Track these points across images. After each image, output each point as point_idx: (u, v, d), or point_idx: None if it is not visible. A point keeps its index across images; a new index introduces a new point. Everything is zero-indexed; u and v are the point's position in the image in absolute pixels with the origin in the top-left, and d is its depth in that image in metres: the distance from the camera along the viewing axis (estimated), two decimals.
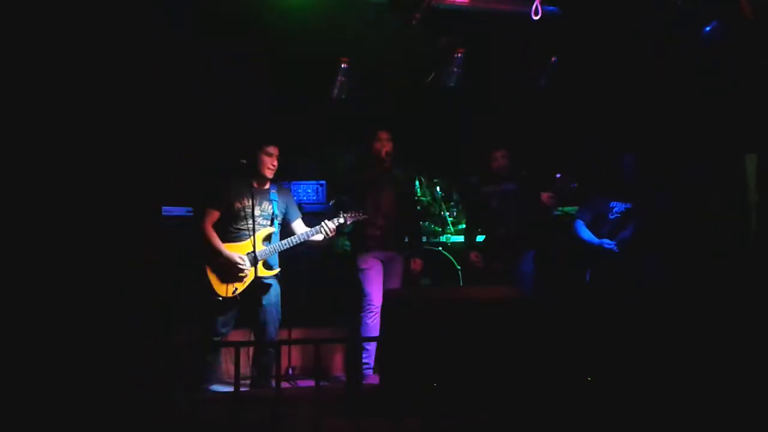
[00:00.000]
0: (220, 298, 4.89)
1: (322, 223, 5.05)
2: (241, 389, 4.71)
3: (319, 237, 5.07)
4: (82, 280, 4.16)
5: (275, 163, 5.06)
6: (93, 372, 3.81)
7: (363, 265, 5.25)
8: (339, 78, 6.10)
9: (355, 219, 5.13)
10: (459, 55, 5.98)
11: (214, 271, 4.92)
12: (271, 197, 5.09)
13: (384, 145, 5.31)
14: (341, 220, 5.08)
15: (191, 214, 5.98)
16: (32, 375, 3.68)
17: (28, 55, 4.01)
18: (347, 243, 6.71)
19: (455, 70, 6.05)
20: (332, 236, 5.10)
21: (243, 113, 6.44)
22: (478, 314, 4.14)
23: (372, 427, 3.68)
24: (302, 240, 5.04)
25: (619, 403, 4.00)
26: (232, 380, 5.18)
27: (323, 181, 6.59)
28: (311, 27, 5.45)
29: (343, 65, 6.01)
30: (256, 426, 3.78)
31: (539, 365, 4.15)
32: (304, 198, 6.47)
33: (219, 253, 4.91)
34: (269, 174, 5.06)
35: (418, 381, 3.84)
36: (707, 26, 5.38)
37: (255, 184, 5.05)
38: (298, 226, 5.20)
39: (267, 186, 5.11)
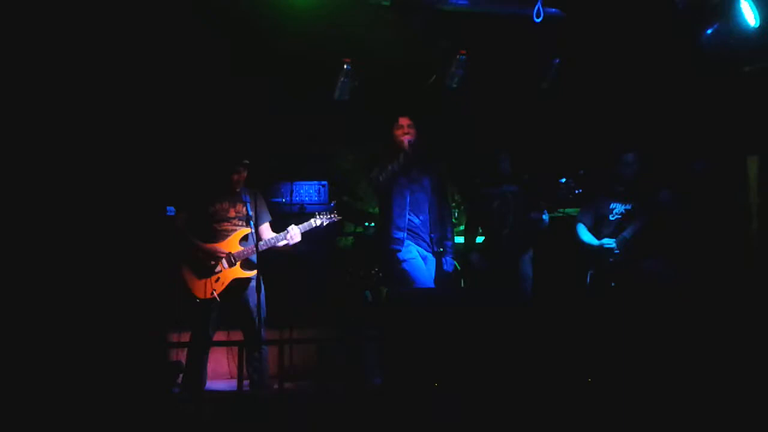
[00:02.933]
0: (198, 300, 4.92)
1: (288, 229, 5.06)
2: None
3: (283, 243, 5.07)
4: (86, 280, 4.17)
5: (244, 178, 5.12)
6: (96, 372, 3.82)
7: (405, 256, 4.84)
8: (341, 78, 6.11)
9: (331, 220, 5.09)
10: (461, 56, 5.98)
11: (189, 273, 4.96)
12: (244, 199, 5.12)
13: (406, 132, 4.94)
14: (317, 222, 5.07)
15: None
16: (35, 375, 3.69)
17: (32, 57, 4.02)
18: (350, 240, 6.73)
19: (457, 71, 6.05)
20: (296, 242, 5.05)
21: (244, 114, 6.46)
22: (480, 316, 4.16)
23: (372, 427, 3.70)
24: (269, 246, 5.02)
25: (620, 405, 4.01)
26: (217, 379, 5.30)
27: (325, 182, 6.61)
28: (314, 27, 5.46)
29: (345, 66, 6.01)
30: (257, 425, 3.80)
31: (540, 367, 4.16)
32: (307, 198, 6.48)
33: (196, 249, 4.95)
34: (238, 187, 5.13)
35: (420, 382, 3.86)
36: (708, 29, 5.39)
37: (228, 188, 5.12)
38: (265, 231, 5.18)
39: (239, 189, 5.17)
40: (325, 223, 5.11)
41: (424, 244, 4.99)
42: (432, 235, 5.00)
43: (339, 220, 5.21)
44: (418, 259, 4.90)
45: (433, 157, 5.06)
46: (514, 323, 4.24)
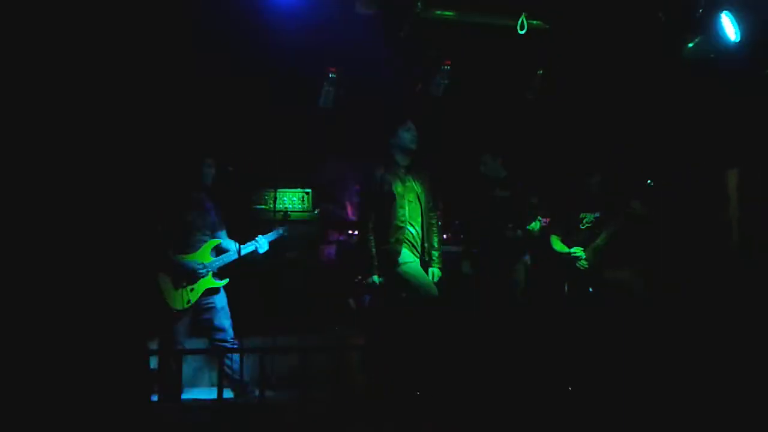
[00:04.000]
0: (176, 310, 4.94)
1: (256, 239, 5.20)
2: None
3: (251, 249, 5.18)
4: (65, 287, 4.13)
5: (213, 173, 5.19)
6: (75, 380, 3.78)
7: (406, 265, 4.86)
8: (326, 87, 6.12)
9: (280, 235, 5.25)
10: (446, 66, 6.01)
11: (166, 284, 4.96)
12: (207, 207, 5.19)
13: (414, 137, 5.03)
14: (276, 234, 5.21)
15: None
16: (13, 382, 3.64)
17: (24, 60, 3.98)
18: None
19: (442, 80, 6.08)
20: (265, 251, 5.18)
21: (227, 120, 6.44)
22: (467, 322, 4.17)
23: None
24: (237, 256, 5.08)
25: (601, 410, 4.04)
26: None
27: (309, 189, 6.60)
28: (299, 36, 5.47)
29: (330, 74, 6.02)
30: None
31: (524, 373, 4.18)
32: (290, 206, 6.48)
33: (174, 263, 4.98)
34: (210, 184, 5.20)
35: (405, 387, 3.86)
36: (690, 42, 5.46)
37: (195, 195, 5.17)
38: (222, 238, 5.24)
39: (202, 196, 5.21)
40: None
41: (417, 254, 5.02)
42: (424, 244, 5.04)
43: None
44: (415, 263, 4.94)
45: (422, 166, 5.12)
46: (496, 329, 4.25)
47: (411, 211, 4.98)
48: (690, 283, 5.41)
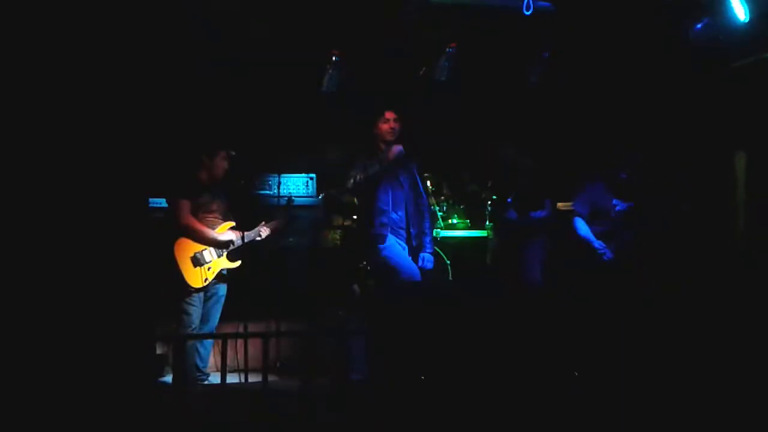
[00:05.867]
0: (193, 289, 5.02)
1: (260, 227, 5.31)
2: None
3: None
4: (70, 273, 4.13)
5: (227, 167, 5.26)
6: (79, 367, 3.78)
7: (387, 249, 4.95)
8: (329, 70, 6.08)
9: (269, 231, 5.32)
10: (450, 49, 5.96)
11: (185, 262, 5.03)
12: (221, 194, 5.31)
13: (393, 126, 5.05)
14: (260, 235, 5.27)
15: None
16: (20, 370, 3.64)
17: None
18: (337, 237, 6.70)
19: (446, 64, 6.03)
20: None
21: (232, 105, 6.41)
22: (470, 310, 4.15)
23: (360, 422, 3.69)
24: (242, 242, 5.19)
25: (613, 402, 4.01)
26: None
27: (313, 175, 6.58)
28: (302, 18, 5.43)
29: (333, 58, 5.98)
30: (243, 419, 3.78)
31: (531, 361, 4.16)
32: (294, 191, 6.45)
33: (210, 241, 5.05)
34: (222, 176, 5.26)
35: (408, 376, 3.85)
36: (697, 24, 5.39)
37: (210, 181, 5.25)
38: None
39: (219, 179, 5.30)
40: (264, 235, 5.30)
41: (402, 239, 5.09)
42: (411, 230, 5.11)
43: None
44: (396, 247, 5.00)
45: (408, 155, 5.12)
46: (502, 318, 4.23)
47: (394, 197, 5.04)
48: (692, 281, 5.34)
